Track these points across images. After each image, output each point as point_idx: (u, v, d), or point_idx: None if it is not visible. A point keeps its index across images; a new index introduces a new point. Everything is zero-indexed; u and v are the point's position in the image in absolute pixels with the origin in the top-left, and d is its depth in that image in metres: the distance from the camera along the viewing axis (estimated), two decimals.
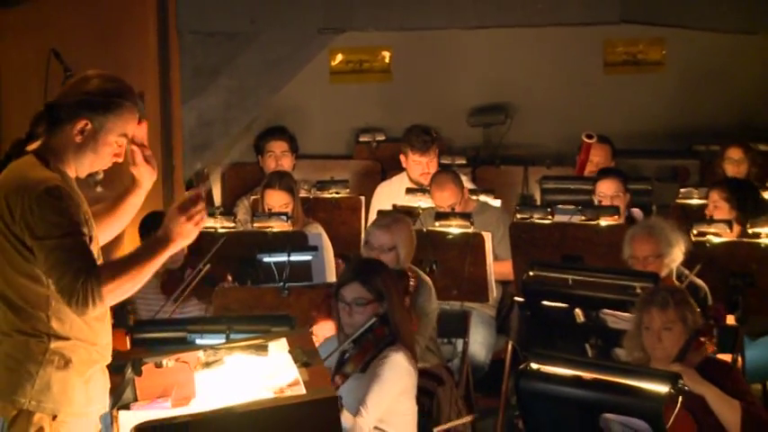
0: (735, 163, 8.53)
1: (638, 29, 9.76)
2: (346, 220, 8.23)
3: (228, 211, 8.12)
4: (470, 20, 8.91)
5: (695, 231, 6.89)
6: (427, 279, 6.68)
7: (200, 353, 4.30)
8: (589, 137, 9.02)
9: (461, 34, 10.05)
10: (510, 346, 7.41)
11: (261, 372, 4.15)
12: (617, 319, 5.98)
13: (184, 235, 4.24)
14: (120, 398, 4.32)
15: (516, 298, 7.10)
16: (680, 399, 4.78)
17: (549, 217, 7.35)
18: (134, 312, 6.49)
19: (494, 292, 7.43)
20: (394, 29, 9.56)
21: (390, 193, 8.53)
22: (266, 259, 6.70)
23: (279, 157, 8.70)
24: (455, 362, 7.06)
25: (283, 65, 9.21)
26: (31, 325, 4.21)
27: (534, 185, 9.66)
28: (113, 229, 4.58)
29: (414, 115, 10.11)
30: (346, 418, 5.02)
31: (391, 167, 9.64)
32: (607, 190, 7.85)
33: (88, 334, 4.27)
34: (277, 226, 7.30)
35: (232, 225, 7.28)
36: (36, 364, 4.19)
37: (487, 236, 7.28)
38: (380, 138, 10.58)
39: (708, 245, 6.83)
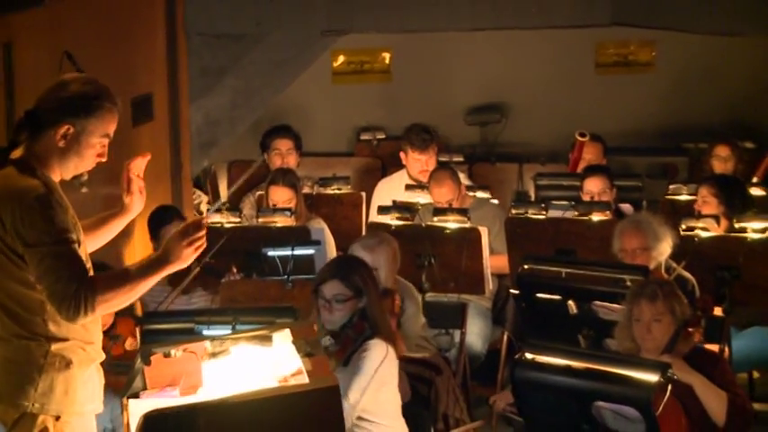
0: (722, 160, 8.53)
1: (629, 31, 9.76)
2: (348, 216, 8.24)
3: (234, 206, 8.12)
4: (467, 22, 8.91)
5: (684, 226, 6.89)
6: (414, 295, 6.67)
7: (207, 343, 4.29)
8: (582, 135, 9.02)
9: (459, 36, 10.05)
10: (505, 337, 7.41)
11: (265, 362, 4.14)
12: (608, 310, 5.98)
13: (183, 259, 4.21)
14: (130, 387, 4.32)
15: (511, 290, 7.08)
16: (669, 387, 4.78)
17: (543, 212, 7.34)
18: (141, 303, 6.49)
19: (490, 285, 7.44)
20: (394, 31, 9.55)
21: (390, 190, 8.53)
22: (271, 253, 6.70)
23: (285, 154, 8.69)
24: (452, 352, 7.06)
25: (287, 66, 9.21)
26: (29, 329, 4.17)
27: (529, 182, 9.66)
28: (95, 244, 4.54)
29: (413, 114, 10.11)
30: None
31: (391, 165, 9.64)
32: (593, 187, 7.85)
33: (84, 334, 4.24)
34: (281, 221, 7.30)
35: (238, 220, 7.29)
36: (38, 367, 4.16)
37: (484, 230, 7.28)
38: (381, 136, 10.58)
39: (696, 239, 6.83)
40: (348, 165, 10.12)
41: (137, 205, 4.53)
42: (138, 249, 7.12)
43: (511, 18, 8.83)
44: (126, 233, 7.05)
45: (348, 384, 5.23)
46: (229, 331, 4.51)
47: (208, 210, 7.88)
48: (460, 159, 10.03)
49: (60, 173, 4.28)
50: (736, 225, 6.84)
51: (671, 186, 8.37)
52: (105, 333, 5.59)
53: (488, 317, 7.80)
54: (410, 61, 10.84)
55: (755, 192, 8.02)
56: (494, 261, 7.46)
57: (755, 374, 7.49)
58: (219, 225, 7.02)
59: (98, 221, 4.56)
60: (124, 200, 4.52)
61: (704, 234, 6.84)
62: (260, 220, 7.37)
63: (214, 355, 4.25)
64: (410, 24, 8.96)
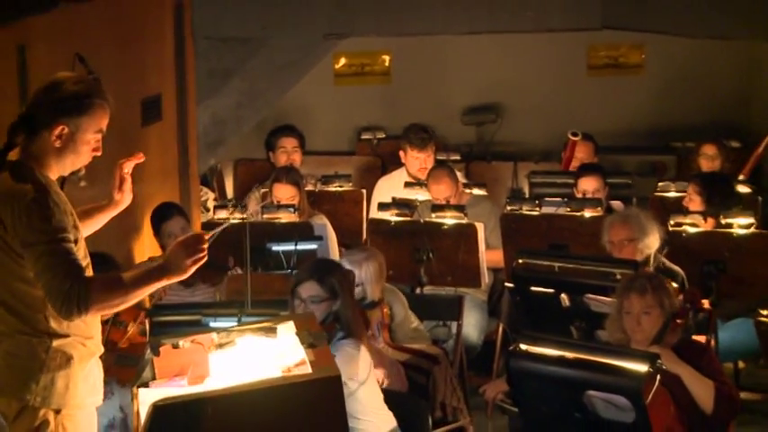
0: (709, 158, 8.52)
1: (620, 34, 9.75)
2: (349, 212, 8.24)
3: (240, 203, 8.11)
4: (464, 26, 8.90)
5: (672, 222, 6.90)
6: (401, 298, 6.65)
7: (214, 335, 4.29)
8: (574, 135, 9.02)
9: (456, 40, 10.04)
10: (501, 329, 7.42)
11: (270, 352, 4.14)
12: (600, 303, 5.99)
13: (182, 271, 4.17)
14: (140, 377, 4.31)
15: (506, 284, 7.08)
16: (658, 377, 4.78)
17: (537, 209, 7.35)
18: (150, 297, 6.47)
19: (486, 279, 7.43)
20: (393, 35, 9.55)
21: (390, 187, 8.52)
22: (275, 248, 6.69)
23: (290, 152, 8.69)
24: (450, 343, 7.05)
25: (291, 68, 9.20)
26: (31, 326, 4.15)
27: (523, 180, 9.66)
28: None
29: (411, 114, 10.11)
30: None
31: (391, 163, 9.64)
32: (588, 186, 7.84)
33: (84, 329, 4.22)
34: (285, 217, 7.30)
35: (243, 216, 7.28)
36: (39, 362, 4.14)
37: (480, 226, 7.27)
38: (381, 135, 10.58)
39: (684, 234, 6.83)
40: (349, 163, 10.11)
41: (126, 201, 4.56)
42: (147, 244, 7.11)
43: (506, 22, 8.82)
44: (135, 228, 7.06)
45: None
46: (235, 323, 4.50)
47: (215, 206, 7.86)
48: (457, 158, 10.03)
49: (58, 170, 4.25)
50: (723, 221, 6.84)
51: (660, 184, 8.37)
52: (110, 320, 5.60)
53: (484, 309, 7.80)
54: (409, 63, 10.84)
55: (741, 189, 8.01)
56: (489, 255, 7.46)
57: (741, 364, 7.49)
58: (226, 221, 7.01)
59: (87, 212, 4.54)
60: (114, 196, 4.54)
61: (692, 230, 6.84)
62: (264, 216, 7.36)
63: (220, 346, 4.25)
64: (409, 28, 8.96)
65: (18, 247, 4.08)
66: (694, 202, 7.34)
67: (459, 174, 8.37)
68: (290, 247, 6.62)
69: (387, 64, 11.00)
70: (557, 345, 4.77)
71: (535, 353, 4.75)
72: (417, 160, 8.53)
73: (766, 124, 9.12)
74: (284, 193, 7.65)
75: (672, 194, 8.11)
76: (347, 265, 6.40)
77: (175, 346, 4.26)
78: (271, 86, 9.25)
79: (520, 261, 6.44)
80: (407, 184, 8.31)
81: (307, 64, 9.34)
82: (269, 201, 7.67)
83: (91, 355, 4.27)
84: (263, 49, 8.93)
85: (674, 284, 6.25)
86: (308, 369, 3.94)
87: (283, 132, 8.83)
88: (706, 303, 6.53)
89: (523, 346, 4.77)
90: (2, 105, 4.28)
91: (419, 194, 8.07)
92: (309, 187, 8.18)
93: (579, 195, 7.79)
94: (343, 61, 10.91)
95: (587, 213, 7.24)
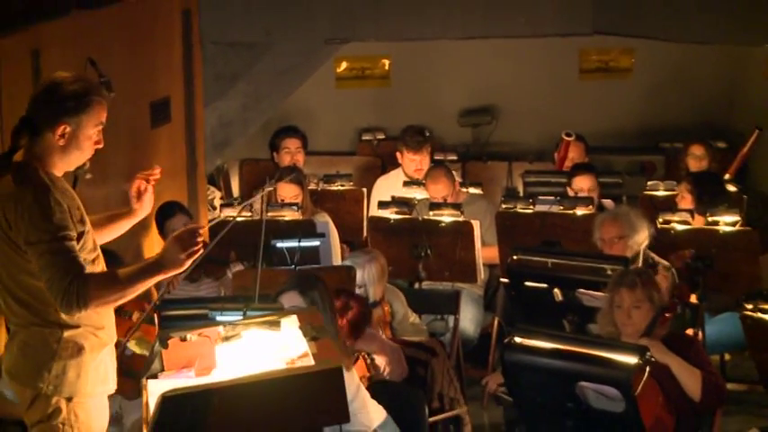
0: (697, 158, 8.51)
1: (610, 39, 9.73)
2: (350, 210, 8.23)
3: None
4: (460, 32, 8.89)
5: (661, 220, 6.89)
6: (401, 297, 6.66)
7: (221, 328, 4.29)
8: (568, 135, 9.02)
9: (452, 44, 10.03)
10: (496, 322, 7.42)
11: (274, 345, 4.13)
12: (591, 297, 5.99)
13: (178, 266, 4.17)
14: (149, 369, 4.31)
15: (502, 279, 7.09)
16: (647, 369, 4.78)
17: (531, 207, 7.34)
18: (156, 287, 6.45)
19: (481, 274, 7.43)
20: (392, 39, 9.54)
21: (388, 187, 8.50)
22: (279, 244, 6.69)
23: (293, 152, 8.69)
24: (447, 336, 7.05)
25: (294, 72, 9.19)
26: (42, 318, 4.17)
27: (518, 179, 9.65)
28: (103, 239, 4.52)
29: (410, 116, 10.10)
30: None
31: (391, 163, 9.63)
32: (584, 184, 7.83)
33: (95, 319, 4.23)
34: (289, 215, 7.30)
35: (249, 214, 7.28)
36: (51, 352, 4.16)
37: (476, 224, 7.27)
38: (381, 136, 10.57)
39: (672, 231, 6.83)
40: (350, 163, 10.10)
41: (145, 210, 4.56)
42: (156, 241, 7.11)
43: (500, 27, 8.81)
44: (144, 226, 7.05)
45: None
46: (241, 317, 4.49)
47: (221, 205, 7.86)
48: (454, 158, 10.03)
49: (64, 167, 4.26)
50: (710, 219, 6.84)
51: (649, 183, 8.36)
52: (115, 311, 5.59)
53: (480, 303, 7.80)
54: (407, 67, 10.83)
55: (727, 188, 8.00)
56: (485, 252, 7.45)
57: (727, 356, 7.48)
58: (232, 218, 6.99)
59: (108, 218, 4.56)
60: (133, 206, 4.53)
61: (680, 227, 6.83)
62: (269, 214, 7.36)
63: (227, 339, 4.25)
64: (407, 33, 8.94)
65: (22, 245, 4.09)
66: (686, 200, 7.35)
67: (455, 173, 8.36)
68: (293, 243, 6.62)
69: (386, 68, 10.99)
70: (550, 338, 4.77)
71: (529, 345, 4.75)
72: (413, 162, 8.52)
73: (751, 125, 9.11)
74: (288, 191, 7.65)
75: (661, 193, 8.10)
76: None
77: (183, 339, 4.25)
78: (275, 89, 9.23)
79: (514, 257, 6.45)
80: (406, 184, 8.30)
81: (309, 68, 9.34)
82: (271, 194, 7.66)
83: (102, 346, 4.27)
84: (267, 53, 8.93)
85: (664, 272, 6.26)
86: (310, 361, 3.93)
87: (287, 133, 8.82)
88: (694, 298, 6.53)
89: (518, 339, 4.77)
90: (17, 108, 4.28)
91: (417, 193, 8.07)
92: (312, 186, 8.17)
93: (573, 194, 7.78)
94: (344, 65, 10.90)
95: (579, 211, 7.24)
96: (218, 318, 4.57)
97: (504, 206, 7.45)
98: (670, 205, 7.40)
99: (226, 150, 9.43)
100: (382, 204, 7.60)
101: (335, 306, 5.68)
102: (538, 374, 4.78)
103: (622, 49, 10.81)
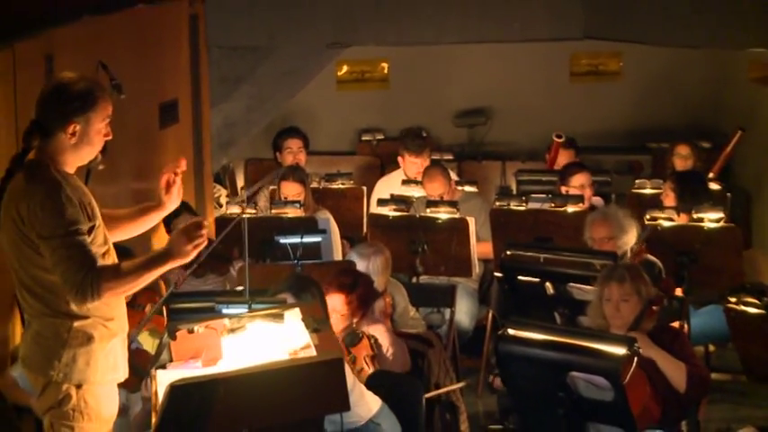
0: (683, 158, 8.50)
1: (600, 44, 9.73)
2: (351, 207, 8.23)
3: (250, 199, 8.11)
4: (456, 36, 8.89)
5: (648, 217, 6.89)
6: (403, 292, 6.66)
7: (226, 321, 4.29)
8: (558, 136, 9.02)
9: (449, 49, 10.03)
10: (490, 315, 7.42)
11: (278, 337, 4.14)
12: (582, 291, 5.99)
13: (184, 256, 4.16)
14: (157, 359, 4.31)
15: (496, 273, 7.09)
16: (635, 359, 4.78)
17: (524, 204, 7.33)
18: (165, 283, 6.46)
19: (476, 269, 7.43)
20: (391, 44, 9.53)
21: (390, 186, 8.49)
22: (282, 240, 6.68)
23: (296, 152, 8.68)
24: (443, 328, 7.06)
25: (297, 74, 9.19)
26: (53, 309, 4.18)
27: (511, 177, 9.65)
28: (131, 233, 4.51)
29: (408, 118, 10.12)
30: None
31: (389, 162, 9.64)
32: (584, 180, 7.82)
33: (105, 310, 4.23)
34: (291, 212, 7.29)
35: (253, 211, 7.28)
36: (62, 341, 4.17)
37: (471, 220, 7.27)
38: (380, 137, 10.58)
39: (659, 228, 6.82)
40: (351, 162, 10.10)
41: (173, 203, 4.46)
42: (164, 239, 7.11)
43: (495, 32, 8.81)
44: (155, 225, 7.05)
45: None
46: (246, 310, 4.49)
47: (228, 202, 7.87)
48: (450, 157, 10.02)
49: (76, 163, 4.26)
50: (695, 216, 6.84)
51: (636, 181, 8.35)
52: (128, 303, 5.60)
53: (475, 297, 7.80)
54: (406, 70, 10.83)
55: (712, 186, 8.00)
56: (480, 247, 7.45)
57: (711, 347, 7.48)
58: (237, 216, 7.01)
59: (138, 211, 4.53)
60: (162, 198, 4.45)
61: (666, 223, 6.83)
62: (273, 211, 7.36)
63: (232, 331, 4.25)
64: (406, 38, 8.94)
65: (35, 240, 4.10)
66: (669, 198, 7.35)
67: (451, 172, 8.36)
68: (296, 239, 6.62)
69: (385, 71, 10.99)
70: (542, 329, 4.77)
71: (522, 337, 4.75)
72: (414, 165, 8.52)
73: (735, 126, 9.11)
74: (291, 190, 7.64)
75: (648, 191, 8.09)
76: (356, 258, 6.41)
77: (191, 331, 4.27)
78: (278, 92, 9.24)
79: (508, 252, 6.44)
80: (404, 182, 8.31)
81: (311, 71, 9.34)
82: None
83: (112, 336, 4.27)
84: (271, 57, 8.93)
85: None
86: (312, 352, 3.94)
87: (289, 134, 8.82)
88: (679, 291, 6.53)
89: (511, 331, 4.77)
90: (31, 111, 4.27)
91: (415, 191, 8.07)
92: (314, 185, 8.17)
93: (573, 191, 7.74)
94: (345, 68, 10.90)
95: (570, 209, 7.23)
96: (225, 311, 4.58)
97: (497, 204, 7.45)
98: (657, 203, 7.39)
99: (231, 150, 9.43)
100: (381, 202, 7.61)
101: (344, 282, 5.71)
102: (530, 365, 4.78)
103: (611, 53, 10.81)
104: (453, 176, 8.33)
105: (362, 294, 5.77)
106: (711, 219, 6.76)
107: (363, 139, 10.63)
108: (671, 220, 6.84)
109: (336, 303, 5.70)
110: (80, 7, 6.32)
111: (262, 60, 8.92)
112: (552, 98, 10.70)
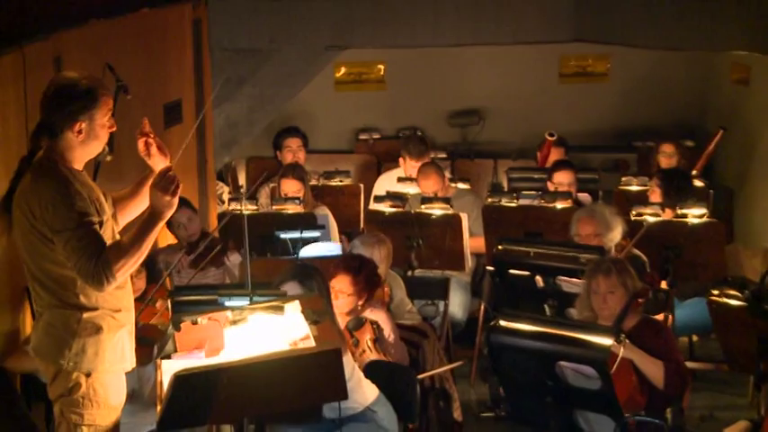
0: (668, 156, 8.50)
1: (588, 46, 9.73)
2: (348, 204, 8.23)
3: (252, 196, 8.11)
4: (450, 39, 8.89)
5: (634, 212, 6.89)
6: (401, 284, 6.67)
7: (229, 313, 4.29)
8: (551, 135, 9.03)
9: (443, 51, 10.03)
10: (482, 307, 7.42)
11: (278, 328, 4.14)
12: (570, 284, 5.99)
13: (169, 206, 4.19)
14: (162, 350, 4.32)
15: (488, 267, 7.09)
16: (621, 349, 4.79)
17: (515, 201, 7.33)
18: (169, 276, 6.46)
19: (469, 263, 7.43)
20: (387, 46, 9.52)
21: (389, 184, 8.49)
22: (283, 235, 6.69)
23: (295, 151, 8.67)
24: (437, 320, 7.06)
25: (296, 76, 9.18)
26: (63, 301, 4.21)
27: (502, 175, 9.66)
28: (136, 210, 4.48)
29: (404, 118, 10.13)
30: None
31: (386, 160, 9.64)
32: (564, 179, 7.83)
33: (113, 302, 4.26)
34: (291, 208, 7.30)
35: (255, 208, 7.28)
36: (72, 332, 4.20)
37: (464, 216, 7.27)
38: (376, 136, 10.57)
39: (644, 223, 6.83)
40: (348, 161, 10.10)
41: (159, 164, 4.33)
42: (168, 236, 7.11)
43: (487, 35, 8.81)
44: None
45: None
46: (247, 302, 4.50)
47: (230, 199, 7.86)
48: (444, 156, 10.03)
49: (85, 158, 4.28)
50: (679, 211, 6.85)
51: (623, 179, 8.35)
52: (141, 298, 5.63)
53: (468, 290, 7.80)
54: (402, 72, 10.82)
55: (695, 183, 8.01)
56: (473, 242, 7.45)
57: (695, 338, 7.50)
58: (239, 211, 7.01)
59: (137, 185, 4.50)
60: (148, 162, 4.38)
61: (651, 219, 6.84)
62: (273, 207, 7.36)
63: (234, 322, 4.25)
64: (402, 41, 8.94)
65: (48, 234, 4.13)
66: (655, 194, 7.35)
67: (445, 170, 8.36)
68: (295, 234, 6.63)
69: (382, 72, 10.98)
70: (532, 321, 4.78)
71: (513, 328, 4.75)
72: (414, 168, 8.50)
73: (717, 126, 9.12)
74: (291, 187, 7.64)
75: (634, 188, 8.10)
76: (360, 247, 6.41)
77: (194, 323, 4.26)
78: (278, 93, 9.23)
79: (499, 247, 6.44)
80: (400, 179, 8.30)
81: (310, 72, 9.33)
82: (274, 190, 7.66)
83: (119, 327, 4.28)
84: (271, 59, 8.92)
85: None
86: (311, 343, 3.94)
87: (289, 133, 8.82)
88: (664, 284, 6.54)
89: (502, 323, 4.77)
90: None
91: (410, 188, 8.06)
92: (313, 182, 8.17)
93: (553, 188, 7.77)
94: (342, 70, 10.89)
95: (559, 205, 7.23)
96: (227, 303, 4.58)
97: (489, 200, 7.45)
98: (642, 199, 7.40)
99: (233, 149, 9.43)
100: (378, 198, 7.61)
101: (351, 264, 5.71)
102: (521, 355, 4.79)
103: (599, 55, 10.80)
104: (447, 174, 8.31)
105: (368, 276, 5.78)
106: (695, 214, 6.77)
107: (360, 138, 10.63)
108: (656, 215, 6.84)
109: (343, 285, 5.70)
110: (87, 11, 6.32)
111: (263, 62, 8.92)
112: (542, 99, 10.70)
